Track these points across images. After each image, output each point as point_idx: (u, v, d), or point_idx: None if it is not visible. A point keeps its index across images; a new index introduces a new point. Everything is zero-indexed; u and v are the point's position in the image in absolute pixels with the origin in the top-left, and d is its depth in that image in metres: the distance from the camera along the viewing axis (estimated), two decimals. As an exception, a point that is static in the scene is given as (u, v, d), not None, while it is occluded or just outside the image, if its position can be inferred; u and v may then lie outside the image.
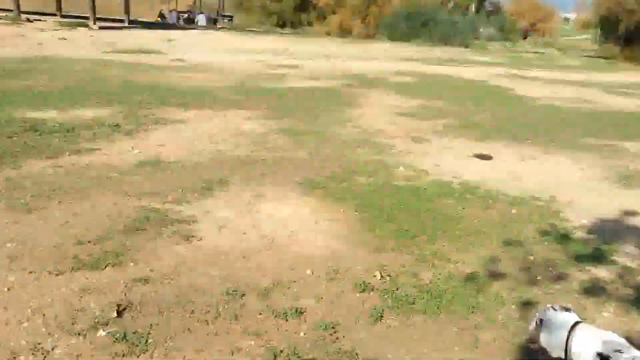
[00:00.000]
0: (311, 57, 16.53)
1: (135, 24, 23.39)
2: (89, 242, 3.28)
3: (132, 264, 3.09)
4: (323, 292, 2.95)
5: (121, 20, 23.42)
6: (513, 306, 2.96)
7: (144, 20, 27.73)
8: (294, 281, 3.04)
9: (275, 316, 2.69)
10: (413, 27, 27.80)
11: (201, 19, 29.83)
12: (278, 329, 2.60)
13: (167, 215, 3.75)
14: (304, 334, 2.57)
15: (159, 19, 29.91)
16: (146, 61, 12.13)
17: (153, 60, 12.39)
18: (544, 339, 2.40)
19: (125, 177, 4.50)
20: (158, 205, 3.93)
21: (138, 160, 4.96)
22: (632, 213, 4.53)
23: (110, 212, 3.75)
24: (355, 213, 4.06)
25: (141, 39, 17.35)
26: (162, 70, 10.83)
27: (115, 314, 2.58)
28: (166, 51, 14.69)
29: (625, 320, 2.90)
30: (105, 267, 3.02)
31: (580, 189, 5.06)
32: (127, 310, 2.64)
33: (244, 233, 3.59)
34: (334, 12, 32.60)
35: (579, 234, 3.99)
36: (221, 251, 3.32)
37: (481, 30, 34.48)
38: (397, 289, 3.02)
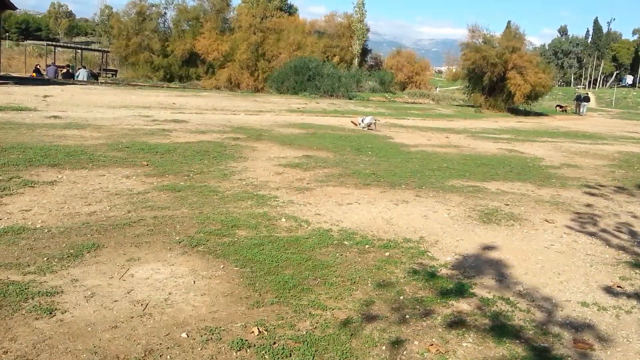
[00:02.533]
0: (199, 111, 16.51)
1: (7, 79, 21.85)
2: None
3: (-18, 347, 2.81)
4: (198, 356, 2.89)
5: (-10, 76, 21.80)
6: (384, 347, 3.11)
7: (18, 75, 26.05)
8: (168, 347, 2.95)
9: (145, 386, 2.58)
10: (300, 81, 28.99)
11: (82, 74, 28.61)
12: (147, 400, 2.49)
13: (27, 288, 3.47)
14: (175, 402, 2.49)
15: (35, 74, 28.21)
16: (17, 119, 11.32)
17: (25, 118, 11.60)
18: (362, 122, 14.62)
19: (-19, 249, 4.11)
20: (18, 278, 3.63)
21: (-2, 229, 4.57)
22: (490, 247, 5.03)
23: (-40, 290, 3.39)
24: (236, 268, 4.06)
25: (13, 96, 16.18)
26: (34, 129, 10.16)
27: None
28: (41, 108, 13.83)
29: (481, 349, 3.18)
30: (-51, 354, 2.71)
31: (446, 228, 5.53)
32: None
33: (115, 301, 3.42)
34: (222, 66, 33.09)
35: (444, 271, 4.34)
36: (88, 323, 3.13)
37: (364, 83, 36.91)
38: (275, 343, 3.05)
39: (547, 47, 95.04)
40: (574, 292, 4.14)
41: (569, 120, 28.74)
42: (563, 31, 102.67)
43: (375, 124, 15.25)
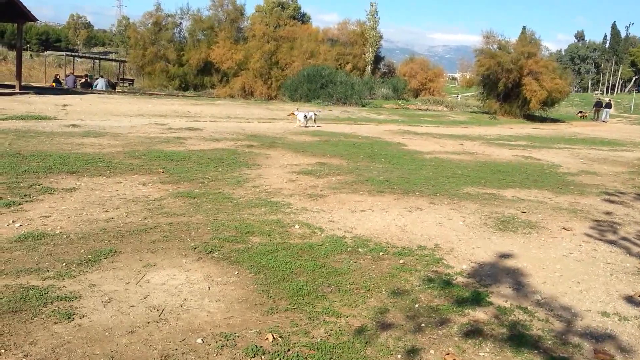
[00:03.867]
0: (213, 119, 16.66)
1: (27, 89, 22.28)
2: (-48, 331, 2.99)
3: (2, 350, 2.84)
4: (213, 361, 2.90)
5: (12, 86, 22.23)
6: (399, 355, 3.09)
7: (38, 85, 26.54)
8: (183, 353, 2.96)
9: (161, 392, 2.59)
10: (313, 89, 29.10)
11: (100, 83, 29.09)
12: (162, 406, 2.50)
13: (47, 293, 3.52)
14: (190, 408, 2.50)
15: (54, 84, 28.75)
16: (37, 128, 11.53)
17: (45, 127, 11.81)
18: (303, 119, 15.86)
19: (2, 254, 4.17)
20: (38, 282, 3.68)
21: (19, 235, 4.63)
22: (506, 255, 4.97)
23: (-19, 295, 3.45)
24: (250, 275, 4.07)
25: (33, 105, 16.50)
26: (54, 137, 10.34)
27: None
28: (60, 117, 14.09)
29: (499, 359, 3.14)
30: (-30, 358, 2.76)
31: (461, 236, 5.48)
32: (-9, 404, 2.42)
33: (132, 306, 3.45)
34: (236, 75, 33.34)
35: (460, 279, 4.29)
36: (106, 327, 3.16)
37: (377, 90, 36.91)
38: (289, 350, 3.04)
39: (563, 53, 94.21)
40: (594, 302, 4.07)
41: (587, 127, 28.40)
42: (580, 36, 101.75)
43: (314, 119, 15.73)
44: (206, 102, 24.13)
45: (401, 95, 39.40)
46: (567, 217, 6.63)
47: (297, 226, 5.39)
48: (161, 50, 34.79)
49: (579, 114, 38.37)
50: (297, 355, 2.99)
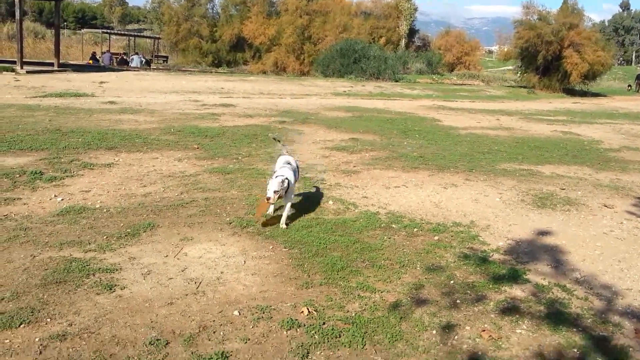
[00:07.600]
0: (246, 95, 16.71)
1: (65, 67, 22.80)
2: (3, 299, 3.12)
3: (48, 319, 2.97)
4: (250, 334, 2.95)
5: (50, 64, 22.77)
6: (434, 331, 3.08)
7: (76, 63, 27.09)
8: (221, 324, 3.03)
9: (200, 362, 2.66)
10: (346, 64, 28.75)
11: (135, 61, 29.51)
12: (201, 374, 2.56)
13: (89, 265, 3.64)
14: (228, 377, 2.56)
15: (91, 61, 29.32)
16: (75, 105, 11.82)
17: (83, 104, 12.10)
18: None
19: (45, 227, 4.34)
20: (80, 255, 3.81)
21: (61, 209, 4.79)
22: (545, 233, 4.86)
23: (27, 266, 3.60)
24: (284, 249, 4.11)
25: (71, 82, 16.90)
26: (92, 113, 10.59)
27: (27, 374, 2.47)
28: (98, 94, 14.39)
29: (536, 336, 3.09)
30: (20, 326, 2.88)
31: (498, 213, 5.38)
32: (41, 368, 2.53)
33: (170, 278, 3.54)
34: (269, 51, 33.22)
35: (496, 256, 4.23)
36: (145, 299, 3.26)
37: (411, 64, 36.21)
38: (324, 324, 3.07)
39: (607, 24, 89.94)
40: (635, 280, 3.95)
41: (629, 101, 27.24)
42: (625, 6, 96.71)
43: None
44: (239, 78, 24.21)
45: (436, 69, 38.61)
46: (608, 194, 6.42)
47: (330, 202, 5.40)
48: (194, 27, 34.93)
49: (628, 88, 37.14)
50: (332, 328, 3.01)
